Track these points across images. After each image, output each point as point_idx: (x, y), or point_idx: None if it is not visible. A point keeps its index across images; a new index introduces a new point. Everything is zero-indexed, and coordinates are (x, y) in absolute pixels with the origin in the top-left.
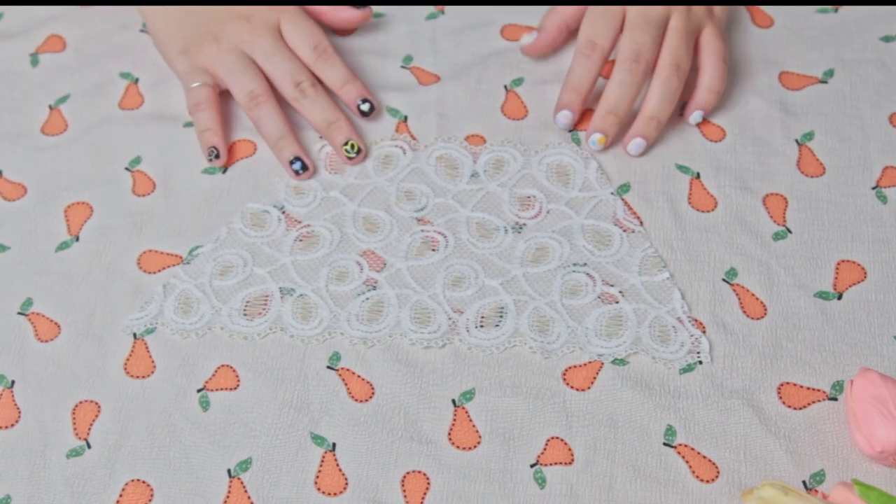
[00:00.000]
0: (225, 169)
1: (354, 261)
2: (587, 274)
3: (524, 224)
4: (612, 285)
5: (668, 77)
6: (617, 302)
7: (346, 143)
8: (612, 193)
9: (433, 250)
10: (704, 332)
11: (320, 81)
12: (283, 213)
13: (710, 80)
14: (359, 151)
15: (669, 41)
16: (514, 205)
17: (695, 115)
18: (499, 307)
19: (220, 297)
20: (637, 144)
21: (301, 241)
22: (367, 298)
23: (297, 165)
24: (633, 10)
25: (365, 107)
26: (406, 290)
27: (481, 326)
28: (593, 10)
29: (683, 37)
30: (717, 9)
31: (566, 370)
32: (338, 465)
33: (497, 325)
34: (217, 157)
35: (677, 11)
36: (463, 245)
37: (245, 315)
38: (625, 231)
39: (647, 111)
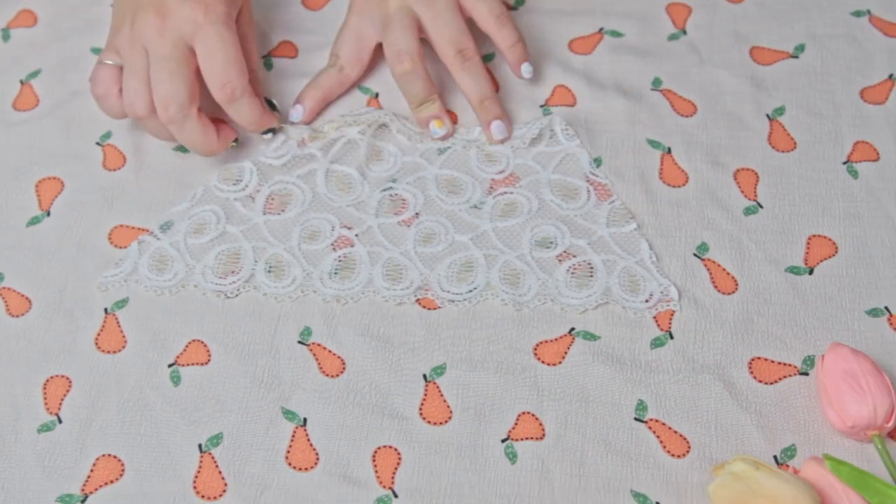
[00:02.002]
0: None
1: (326, 220)
2: (556, 227)
3: (493, 190)
4: (580, 238)
5: (460, 64)
6: (586, 254)
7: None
8: (578, 146)
9: (403, 208)
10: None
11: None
12: (257, 167)
13: (505, 40)
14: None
15: (434, 33)
16: (482, 161)
17: (525, 69)
18: (469, 262)
19: (194, 254)
20: (498, 126)
21: (273, 199)
22: (340, 257)
23: (268, 135)
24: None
25: (268, 135)
26: (377, 247)
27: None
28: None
29: (440, 17)
30: None
31: (537, 345)
32: (309, 439)
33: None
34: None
35: (415, 4)
36: (432, 202)
37: (218, 273)
38: (591, 184)
39: (473, 97)
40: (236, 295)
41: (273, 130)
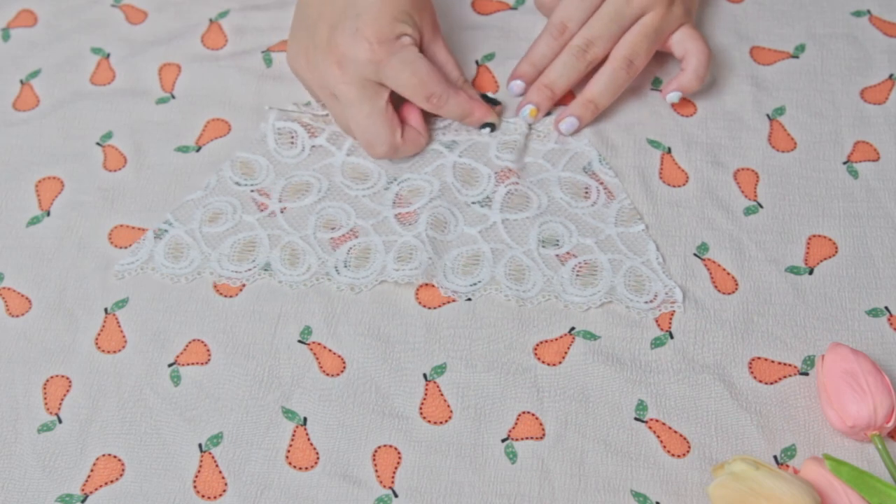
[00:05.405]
0: (199, 147)
1: (342, 209)
2: (563, 225)
3: (505, 179)
4: (588, 236)
5: (616, 69)
6: (592, 253)
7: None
8: (587, 145)
9: (418, 197)
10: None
11: None
12: (273, 164)
13: (696, 65)
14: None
15: (631, 34)
16: (502, 150)
17: (672, 95)
18: (476, 255)
19: (210, 242)
20: (569, 123)
21: (288, 189)
22: (355, 246)
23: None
24: (609, 2)
25: (486, 130)
26: (392, 236)
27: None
28: None
29: (649, 34)
30: (695, 7)
31: (537, 345)
32: (309, 439)
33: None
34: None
35: (655, 9)
36: (447, 189)
37: (234, 260)
38: (600, 183)
39: (587, 94)
40: (252, 282)
41: (492, 126)
